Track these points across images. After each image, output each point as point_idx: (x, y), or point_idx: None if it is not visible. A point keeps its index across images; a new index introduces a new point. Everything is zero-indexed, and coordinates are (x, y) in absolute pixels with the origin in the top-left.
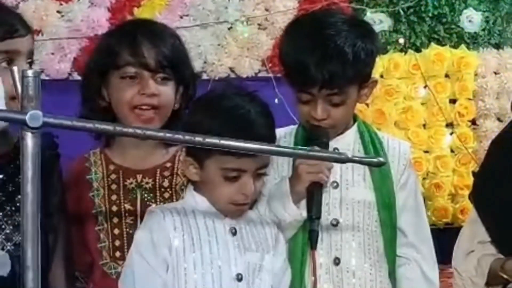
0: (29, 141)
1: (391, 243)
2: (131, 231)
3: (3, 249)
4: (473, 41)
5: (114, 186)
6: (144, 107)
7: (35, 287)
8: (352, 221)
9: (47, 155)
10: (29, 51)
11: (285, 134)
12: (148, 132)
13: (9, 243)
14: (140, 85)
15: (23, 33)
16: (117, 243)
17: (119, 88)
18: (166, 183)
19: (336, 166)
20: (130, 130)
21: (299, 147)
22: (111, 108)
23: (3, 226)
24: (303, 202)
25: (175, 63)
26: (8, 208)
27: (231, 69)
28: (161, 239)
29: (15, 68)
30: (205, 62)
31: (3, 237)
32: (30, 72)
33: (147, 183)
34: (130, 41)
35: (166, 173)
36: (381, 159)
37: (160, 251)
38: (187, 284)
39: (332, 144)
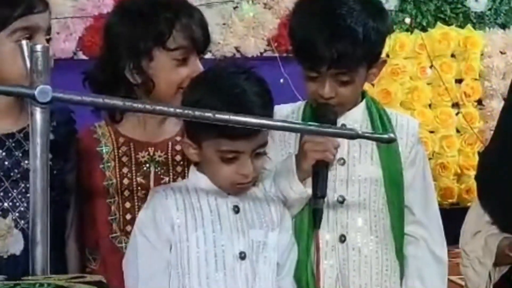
0: (38, 116)
1: (398, 220)
2: (143, 205)
3: (16, 227)
4: (479, 21)
5: (125, 159)
6: None
7: (45, 262)
8: (358, 198)
9: (64, 131)
10: (47, 27)
11: (292, 110)
12: (158, 108)
13: (22, 221)
14: (190, 68)
15: (42, 9)
16: (128, 216)
17: (169, 69)
18: (178, 157)
19: (343, 143)
20: (140, 105)
21: (310, 123)
22: (143, 85)
23: (17, 204)
24: (309, 180)
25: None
26: (22, 185)
27: (237, 49)
28: (163, 219)
29: (24, 43)
30: (210, 42)
31: (17, 214)
32: (39, 47)
33: (159, 156)
34: (183, 24)
35: (178, 147)
36: (392, 135)
37: (163, 230)
38: (190, 262)
39: (340, 120)
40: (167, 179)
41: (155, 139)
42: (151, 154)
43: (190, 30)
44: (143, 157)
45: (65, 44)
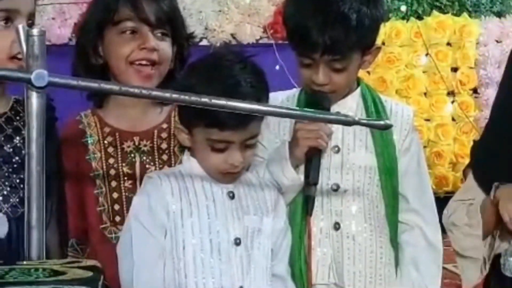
0: (34, 100)
1: (392, 208)
2: (130, 195)
3: (0, 210)
4: (475, 9)
5: (111, 149)
6: (143, 62)
7: (40, 246)
8: (353, 186)
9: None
10: (29, 12)
11: (287, 97)
12: (154, 93)
13: (6, 205)
14: (140, 40)
15: None
16: (116, 207)
17: (117, 43)
18: (164, 145)
19: (338, 131)
20: (136, 90)
21: (306, 109)
22: (106, 66)
23: (1, 188)
24: (302, 167)
25: (173, 19)
26: (5, 169)
27: (233, 36)
28: (158, 204)
29: (20, 27)
30: (206, 28)
31: (0, 198)
32: (35, 31)
33: (145, 145)
34: None
35: (164, 135)
36: (388, 121)
37: (158, 216)
38: (185, 249)
39: (334, 107)
40: (153, 168)
41: (140, 128)
42: (136, 143)
43: (134, 1)
44: (128, 146)
45: (61, 30)
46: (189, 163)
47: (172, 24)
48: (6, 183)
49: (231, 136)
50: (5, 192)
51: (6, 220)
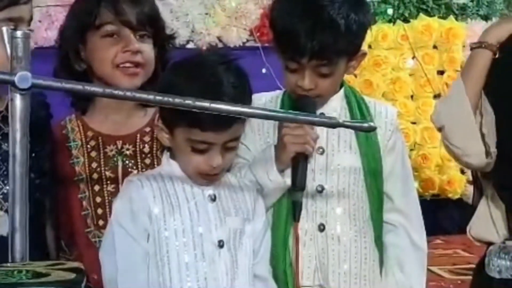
0: (18, 102)
1: (377, 209)
2: (113, 199)
3: (1, 208)
4: (461, 12)
5: (94, 153)
6: (127, 64)
7: (23, 248)
8: (338, 187)
9: (39, 115)
10: (29, 18)
11: (271, 99)
12: (138, 95)
13: (7, 203)
14: (123, 43)
15: (25, 0)
16: (100, 211)
17: (101, 47)
18: (146, 149)
19: (322, 132)
20: (120, 92)
21: (290, 111)
22: (88, 71)
23: (0, 186)
24: (288, 171)
25: (154, 21)
26: (4, 167)
27: (219, 39)
28: (140, 208)
29: (4, 29)
30: (192, 31)
31: (1, 196)
32: (19, 33)
33: (127, 149)
34: (108, 1)
35: (146, 138)
36: (372, 123)
37: (140, 220)
38: (168, 252)
39: (318, 109)
40: (135, 171)
41: (123, 132)
42: (119, 147)
43: (115, 5)
44: (111, 150)
45: (47, 32)
46: (168, 165)
47: (153, 25)
48: (6, 182)
49: (212, 137)
50: (5, 191)
51: (7, 218)
